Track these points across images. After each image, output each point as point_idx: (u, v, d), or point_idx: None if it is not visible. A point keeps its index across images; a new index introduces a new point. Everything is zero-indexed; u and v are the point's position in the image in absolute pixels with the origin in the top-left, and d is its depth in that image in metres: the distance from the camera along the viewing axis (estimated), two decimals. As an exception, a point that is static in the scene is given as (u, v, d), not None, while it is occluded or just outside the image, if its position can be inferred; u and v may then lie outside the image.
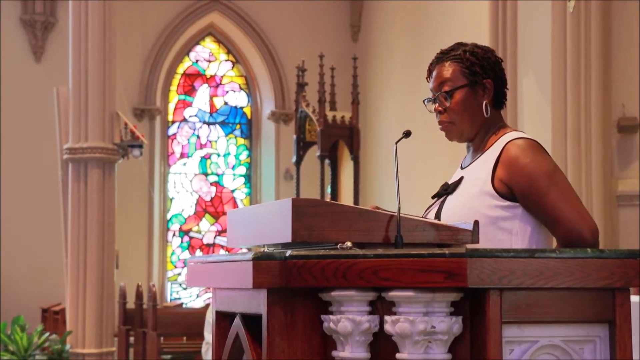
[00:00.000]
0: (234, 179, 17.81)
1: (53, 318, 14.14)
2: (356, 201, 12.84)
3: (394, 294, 2.51)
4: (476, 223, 2.78)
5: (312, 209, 2.68)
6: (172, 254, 17.34)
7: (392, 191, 14.71)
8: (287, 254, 2.59)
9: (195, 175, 17.64)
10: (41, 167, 15.51)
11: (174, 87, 17.56)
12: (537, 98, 10.44)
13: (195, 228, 17.55)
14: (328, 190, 13.48)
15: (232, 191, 17.78)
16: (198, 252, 17.26)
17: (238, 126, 17.89)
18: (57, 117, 13.31)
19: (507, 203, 3.07)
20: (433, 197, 3.26)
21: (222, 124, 17.82)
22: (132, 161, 13.53)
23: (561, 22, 9.88)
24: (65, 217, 12.88)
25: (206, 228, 17.60)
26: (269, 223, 2.84)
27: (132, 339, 12.33)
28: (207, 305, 12.06)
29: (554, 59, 9.89)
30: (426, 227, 2.77)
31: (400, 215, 2.71)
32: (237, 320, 2.87)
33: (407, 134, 3.06)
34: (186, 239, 17.49)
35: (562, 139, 9.77)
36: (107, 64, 12.59)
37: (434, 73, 3.26)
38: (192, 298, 17.23)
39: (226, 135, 17.82)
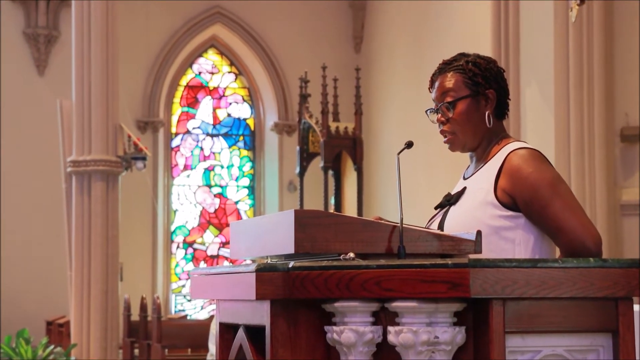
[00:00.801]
0: (237, 191, 17.82)
1: (57, 331, 14.14)
2: (360, 212, 12.84)
3: (397, 305, 2.51)
4: (479, 233, 2.78)
5: (314, 220, 2.69)
6: (176, 265, 17.34)
7: (395, 202, 14.69)
8: (290, 265, 2.59)
9: (199, 187, 17.65)
10: (45, 180, 15.53)
11: (177, 99, 17.59)
12: (540, 108, 10.44)
13: (199, 240, 17.55)
14: (332, 201, 13.48)
15: (236, 203, 17.78)
16: (202, 264, 17.27)
17: (241, 138, 17.91)
18: (60, 129, 13.33)
19: (510, 213, 3.07)
20: (436, 208, 3.26)
21: (226, 136, 17.83)
22: (136, 173, 13.55)
23: (564, 32, 9.89)
24: (69, 230, 12.89)
25: (210, 240, 17.60)
26: (272, 234, 2.84)
27: (136, 351, 12.33)
28: (212, 317, 12.06)
29: (557, 68, 9.90)
30: (429, 238, 2.77)
31: (403, 225, 2.72)
32: (241, 332, 2.88)
33: (409, 144, 3.06)
34: (190, 250, 17.50)
35: (565, 149, 9.77)
36: (110, 77, 12.61)
37: (437, 83, 3.26)
38: (197, 310, 17.23)
39: (229, 146, 17.84)
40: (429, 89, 3.31)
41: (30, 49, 16.22)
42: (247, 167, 17.87)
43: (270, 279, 2.58)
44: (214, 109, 17.82)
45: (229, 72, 17.93)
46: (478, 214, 3.07)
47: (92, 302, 12.40)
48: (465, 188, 3.19)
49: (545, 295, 2.50)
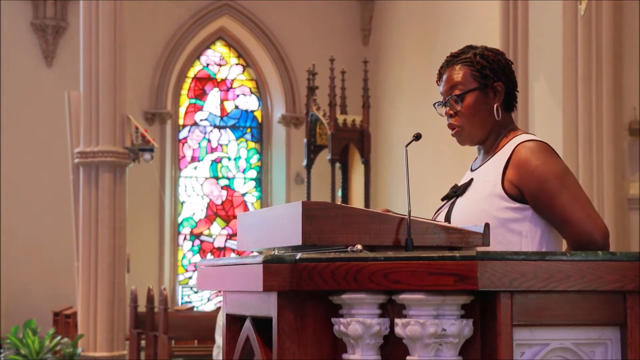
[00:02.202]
0: (244, 183, 17.83)
1: (64, 321, 14.16)
2: (367, 204, 12.83)
3: (404, 297, 2.51)
4: (487, 226, 2.78)
5: (322, 211, 2.68)
6: (183, 257, 17.37)
7: (403, 194, 14.69)
8: (298, 257, 2.58)
9: (206, 178, 17.66)
10: (52, 171, 15.55)
11: (184, 91, 17.60)
12: (548, 101, 10.42)
13: (206, 232, 17.57)
14: (339, 193, 13.48)
15: (243, 195, 17.79)
16: (209, 256, 17.28)
17: (249, 130, 17.91)
18: (68, 121, 13.34)
19: (517, 205, 3.06)
20: (443, 199, 3.26)
21: (233, 128, 17.84)
22: (143, 165, 13.56)
23: (572, 25, 9.86)
24: (76, 221, 12.91)
25: (217, 232, 17.62)
26: (280, 226, 2.84)
27: (143, 342, 12.35)
28: (218, 309, 12.07)
29: (565, 62, 9.87)
30: (437, 230, 2.76)
31: (411, 218, 2.71)
32: (248, 323, 2.87)
33: (417, 137, 3.06)
34: (197, 242, 17.52)
35: (573, 142, 9.75)
36: (118, 68, 12.61)
37: (445, 76, 3.26)
38: (203, 301, 17.25)
39: (237, 138, 17.84)
40: (436, 82, 3.30)
41: (38, 40, 16.23)
42: (255, 159, 17.87)
43: (277, 270, 2.57)
44: (222, 101, 17.83)
45: (237, 64, 17.93)
46: (485, 206, 3.07)
47: (99, 293, 12.42)
48: (472, 179, 3.19)
49: (553, 288, 2.49)
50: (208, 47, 17.78)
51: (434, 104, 3.29)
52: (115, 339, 12.50)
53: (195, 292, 17.27)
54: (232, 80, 17.91)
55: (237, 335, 2.99)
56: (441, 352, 2.49)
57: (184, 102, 17.62)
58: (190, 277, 17.29)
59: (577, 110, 9.78)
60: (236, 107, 17.89)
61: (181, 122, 17.56)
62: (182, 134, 17.57)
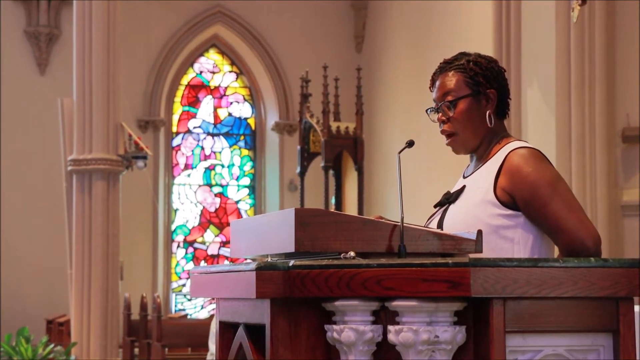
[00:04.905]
0: (238, 190, 17.82)
1: (58, 329, 14.13)
2: (360, 211, 12.82)
3: (397, 304, 2.51)
4: (479, 232, 2.78)
5: (315, 218, 2.69)
6: (177, 265, 17.34)
7: (396, 201, 14.70)
8: (290, 264, 2.59)
9: (200, 186, 17.65)
10: (46, 179, 15.53)
11: (178, 99, 17.59)
12: (542, 108, 10.44)
13: (199, 239, 17.55)
14: (332, 200, 13.48)
15: (237, 202, 17.78)
16: (202, 263, 17.26)
17: (242, 137, 17.90)
18: (61, 128, 13.32)
19: (510, 212, 3.06)
20: (435, 206, 3.26)
21: (226, 135, 17.83)
22: (137, 172, 13.54)
23: (565, 32, 9.88)
24: (69, 229, 12.88)
25: (210, 239, 17.60)
26: (273, 233, 2.84)
27: (136, 350, 12.33)
28: (212, 316, 12.05)
29: (558, 68, 9.89)
30: (429, 237, 2.76)
31: (404, 224, 2.71)
32: (241, 331, 2.87)
33: (410, 143, 3.06)
34: (190, 250, 17.50)
35: (566, 149, 9.76)
36: (111, 76, 12.60)
37: (437, 83, 3.26)
38: (197, 309, 17.23)
39: (230, 146, 17.84)
40: (429, 88, 3.31)
41: (31, 47, 16.22)
42: (248, 166, 17.87)
43: (270, 277, 2.57)
44: (215, 108, 17.82)
45: (230, 72, 17.93)
46: (477, 213, 3.07)
47: (93, 301, 12.39)
48: (464, 186, 3.19)
49: (546, 294, 2.49)
50: (201, 55, 17.78)
51: (426, 110, 3.30)
52: (109, 347, 12.47)
53: (189, 300, 17.25)
54: (226, 88, 17.90)
55: (231, 343, 2.99)
56: (434, 359, 2.50)
57: (178, 109, 17.62)
58: (183, 285, 17.27)
59: (570, 116, 9.79)
60: (229, 114, 17.88)
61: (174, 129, 17.55)
62: (176, 141, 17.56)
